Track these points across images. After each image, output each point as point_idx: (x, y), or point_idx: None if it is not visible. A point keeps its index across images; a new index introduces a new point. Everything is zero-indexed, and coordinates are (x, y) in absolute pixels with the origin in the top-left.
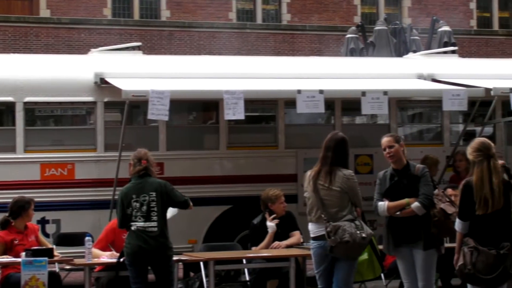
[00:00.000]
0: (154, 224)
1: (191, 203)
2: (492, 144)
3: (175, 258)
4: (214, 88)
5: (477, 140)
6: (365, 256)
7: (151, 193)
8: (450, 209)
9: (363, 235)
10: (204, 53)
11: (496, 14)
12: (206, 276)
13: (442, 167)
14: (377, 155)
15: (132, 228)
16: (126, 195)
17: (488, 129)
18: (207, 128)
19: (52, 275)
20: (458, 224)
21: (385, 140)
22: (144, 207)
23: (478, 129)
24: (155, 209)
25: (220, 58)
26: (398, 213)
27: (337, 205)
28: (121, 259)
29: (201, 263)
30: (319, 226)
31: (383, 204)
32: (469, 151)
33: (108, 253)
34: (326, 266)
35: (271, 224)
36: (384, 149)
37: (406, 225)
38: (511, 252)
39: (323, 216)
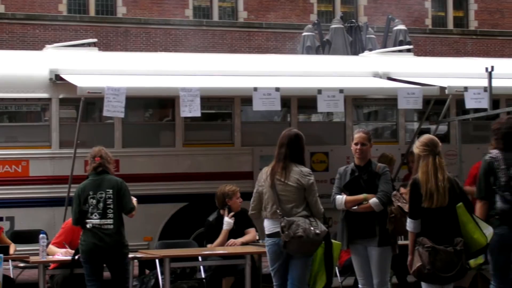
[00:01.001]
0: (110, 221)
1: (134, 212)
2: (440, 143)
3: (130, 255)
4: (170, 85)
5: (426, 136)
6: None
7: (108, 190)
8: (407, 208)
9: (317, 231)
10: (160, 50)
11: (450, 13)
12: (162, 273)
13: (397, 165)
14: (333, 153)
15: (88, 225)
16: (83, 191)
17: (443, 127)
18: (163, 125)
19: (6, 279)
20: (410, 224)
21: (359, 135)
22: (101, 204)
23: (433, 127)
24: (111, 206)
25: (176, 55)
26: (355, 207)
27: (292, 200)
28: (76, 257)
29: (157, 261)
30: (274, 223)
31: (341, 198)
32: (417, 144)
33: (63, 250)
34: (281, 263)
35: (228, 220)
36: (356, 144)
37: (362, 221)
38: (465, 247)
39: (278, 211)
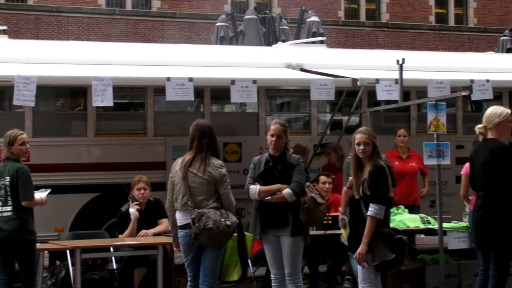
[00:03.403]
0: (9, 208)
1: (28, 201)
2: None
3: (40, 246)
4: (82, 75)
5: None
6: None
7: (6, 177)
8: (320, 200)
9: (228, 223)
10: (72, 38)
11: (363, 6)
12: (73, 264)
13: (310, 155)
14: (246, 144)
15: None
16: None
17: (355, 119)
18: (75, 115)
19: None
20: (380, 211)
21: (275, 127)
22: (2, 191)
23: (345, 118)
24: (10, 193)
25: (88, 44)
26: (268, 197)
27: (203, 193)
28: None
29: (68, 252)
30: (185, 214)
31: (255, 188)
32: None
33: None
34: (194, 254)
35: (131, 210)
36: (272, 135)
37: (275, 211)
38: None
39: (189, 203)
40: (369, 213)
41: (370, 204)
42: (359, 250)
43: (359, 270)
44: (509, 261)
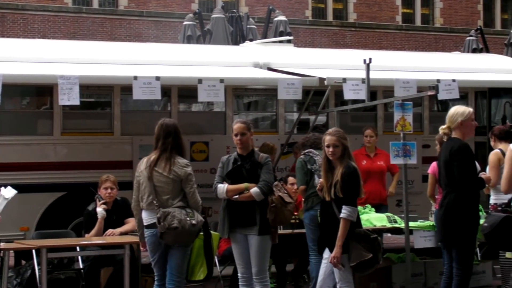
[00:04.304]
0: None
1: None
2: None
3: (5, 246)
4: (49, 73)
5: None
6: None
7: None
8: (288, 199)
9: (193, 222)
10: (38, 36)
11: (330, 5)
12: (38, 264)
13: (277, 154)
14: (213, 143)
15: None
16: None
17: (322, 118)
18: (41, 114)
19: None
20: (353, 213)
21: (237, 126)
22: None
23: (312, 118)
24: None
25: (55, 42)
26: (236, 196)
27: (169, 192)
28: None
29: (33, 251)
30: (151, 214)
31: (223, 187)
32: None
33: None
34: (160, 253)
35: (99, 209)
36: (236, 135)
37: (243, 210)
38: None
39: (154, 202)
40: (342, 215)
41: (343, 207)
42: (333, 254)
43: (335, 271)
44: (472, 259)
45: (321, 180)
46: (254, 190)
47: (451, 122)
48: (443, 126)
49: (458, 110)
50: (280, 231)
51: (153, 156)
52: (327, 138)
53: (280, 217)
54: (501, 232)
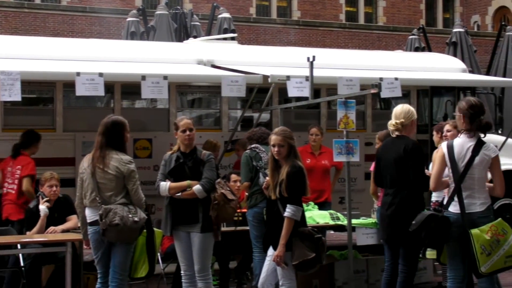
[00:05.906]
0: None
1: None
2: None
3: None
4: None
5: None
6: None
7: None
8: (231, 196)
9: (135, 219)
10: None
11: (274, 3)
12: None
13: (221, 152)
14: (156, 140)
15: None
16: None
17: (265, 115)
18: None
19: None
20: (297, 212)
21: (185, 122)
22: None
23: (256, 115)
24: None
25: None
26: (179, 194)
27: (112, 189)
28: None
29: None
30: (94, 211)
31: (165, 184)
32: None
33: None
34: (103, 251)
35: (42, 207)
36: (184, 131)
37: (186, 207)
38: None
39: (97, 199)
40: (286, 214)
41: (288, 205)
42: (276, 252)
43: (278, 268)
44: (418, 256)
45: (267, 178)
46: (197, 187)
47: (407, 118)
48: (396, 121)
49: (410, 108)
50: (223, 228)
51: (95, 152)
52: (273, 138)
53: (223, 214)
54: (425, 229)
